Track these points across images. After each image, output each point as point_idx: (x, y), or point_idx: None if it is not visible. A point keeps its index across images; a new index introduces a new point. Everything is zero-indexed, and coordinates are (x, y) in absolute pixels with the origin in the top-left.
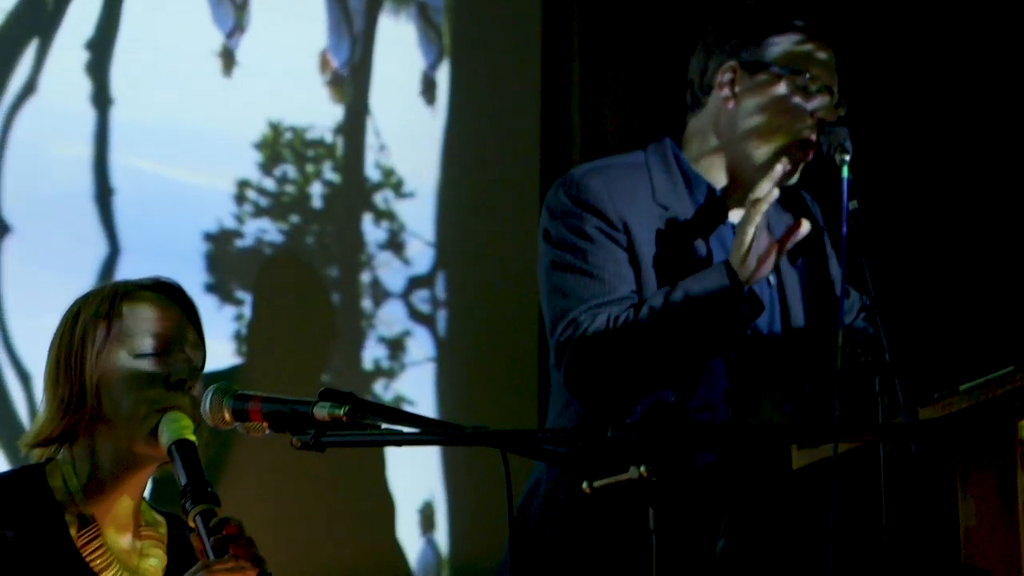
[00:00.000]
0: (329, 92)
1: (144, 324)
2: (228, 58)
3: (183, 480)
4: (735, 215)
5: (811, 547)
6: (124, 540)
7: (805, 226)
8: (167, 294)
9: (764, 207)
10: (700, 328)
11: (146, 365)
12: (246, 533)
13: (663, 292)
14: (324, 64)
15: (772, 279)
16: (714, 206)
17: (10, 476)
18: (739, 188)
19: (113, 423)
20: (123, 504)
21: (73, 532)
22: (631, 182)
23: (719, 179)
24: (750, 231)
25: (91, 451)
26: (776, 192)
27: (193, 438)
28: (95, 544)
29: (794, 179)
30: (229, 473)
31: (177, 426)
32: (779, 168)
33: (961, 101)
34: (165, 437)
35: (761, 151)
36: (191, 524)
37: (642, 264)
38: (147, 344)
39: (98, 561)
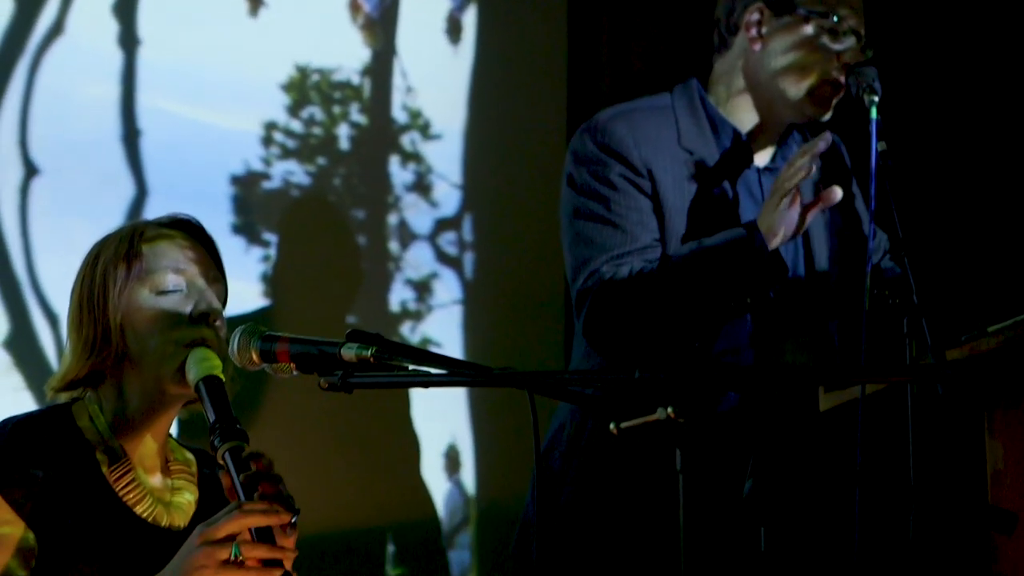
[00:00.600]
0: (361, 36)
1: (164, 261)
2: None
3: (211, 417)
4: (760, 158)
5: (838, 489)
6: (154, 478)
7: (836, 193)
8: (186, 231)
9: (797, 180)
10: (720, 287)
11: (168, 302)
12: (274, 471)
13: (686, 249)
14: (356, 8)
15: None
16: (740, 150)
17: (36, 415)
18: (766, 130)
19: (139, 362)
20: (149, 444)
21: (105, 469)
22: (656, 126)
23: (746, 120)
24: (776, 200)
25: (118, 392)
26: (813, 169)
27: (221, 375)
28: (128, 479)
29: (827, 116)
30: (258, 415)
31: (205, 363)
32: (821, 145)
33: (990, 39)
34: (192, 374)
35: (789, 92)
36: (220, 461)
37: (666, 210)
38: (168, 281)
39: (131, 496)
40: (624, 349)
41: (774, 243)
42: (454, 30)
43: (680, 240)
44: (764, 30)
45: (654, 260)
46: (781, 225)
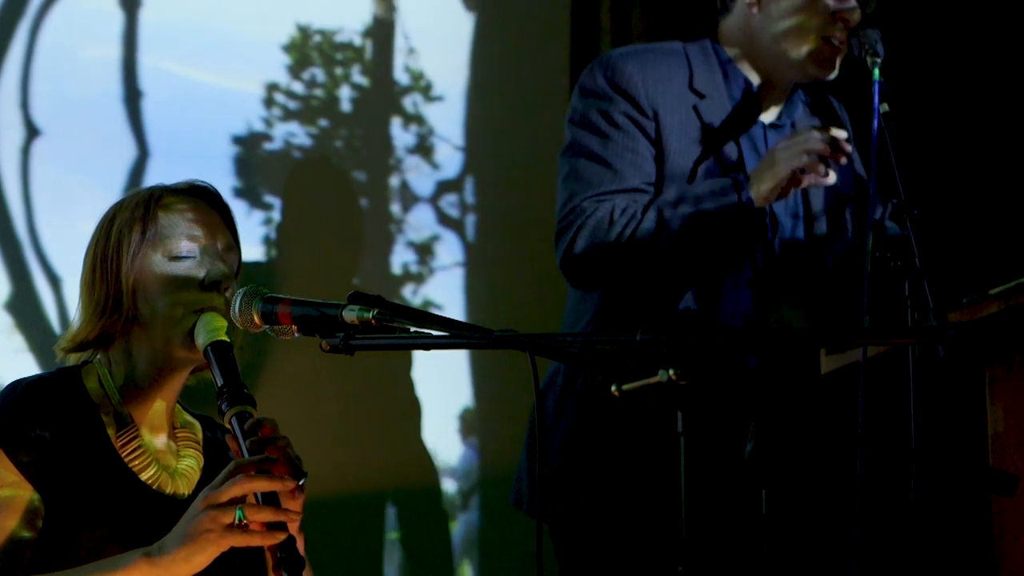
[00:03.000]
0: None
1: (179, 227)
2: None
3: (219, 381)
4: (767, 115)
5: (839, 451)
6: (159, 441)
7: (831, 178)
8: (202, 198)
9: (803, 163)
10: (703, 243)
11: (181, 268)
12: (280, 433)
13: (671, 202)
14: None
15: None
16: (749, 101)
17: (46, 377)
18: (772, 89)
19: (149, 326)
20: (157, 407)
21: (111, 432)
22: (667, 67)
23: (752, 79)
24: (774, 175)
25: (127, 354)
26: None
27: (229, 339)
28: (134, 444)
29: (833, 75)
30: (259, 379)
31: (213, 328)
32: (848, 149)
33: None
34: (201, 338)
35: (790, 54)
36: (227, 426)
37: (667, 153)
38: (182, 247)
39: (136, 462)
40: (598, 287)
41: (760, 203)
42: None
43: (680, 183)
44: None
45: (637, 203)
46: (773, 194)
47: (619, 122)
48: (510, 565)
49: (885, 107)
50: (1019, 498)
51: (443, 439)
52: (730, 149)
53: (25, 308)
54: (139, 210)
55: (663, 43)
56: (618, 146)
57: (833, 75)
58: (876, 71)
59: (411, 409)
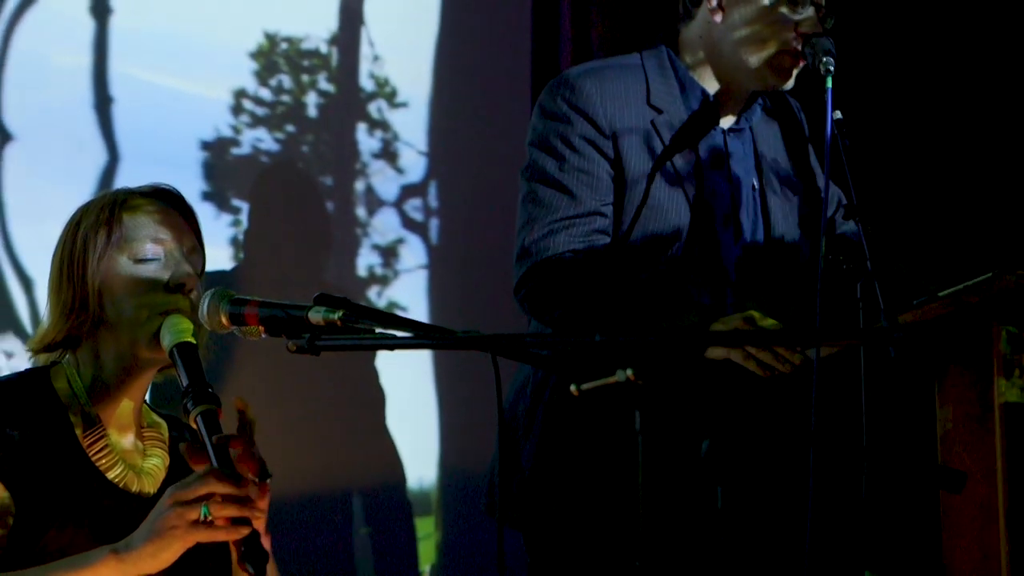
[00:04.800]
0: (328, 5)
1: (144, 230)
2: None
3: (185, 382)
4: (726, 120)
5: (793, 449)
6: (127, 441)
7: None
8: (166, 200)
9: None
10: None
11: (146, 270)
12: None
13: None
14: None
15: (755, 183)
16: (707, 111)
17: (15, 378)
18: (731, 95)
19: (115, 327)
20: (125, 406)
21: (79, 432)
22: (625, 84)
23: (712, 87)
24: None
25: (94, 355)
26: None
27: (194, 341)
28: (101, 444)
29: (789, 85)
30: (225, 379)
31: (178, 329)
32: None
33: (945, 9)
34: (167, 340)
35: (749, 62)
36: (192, 425)
37: (628, 171)
38: (147, 249)
39: (103, 461)
40: (548, 324)
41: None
42: None
43: (641, 198)
44: (724, 1)
45: (598, 232)
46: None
47: (576, 145)
48: (475, 562)
49: (838, 114)
50: (966, 495)
51: (408, 437)
52: (689, 156)
53: None
54: (104, 213)
55: (621, 57)
56: (575, 169)
57: (789, 86)
58: (829, 79)
59: (376, 408)
